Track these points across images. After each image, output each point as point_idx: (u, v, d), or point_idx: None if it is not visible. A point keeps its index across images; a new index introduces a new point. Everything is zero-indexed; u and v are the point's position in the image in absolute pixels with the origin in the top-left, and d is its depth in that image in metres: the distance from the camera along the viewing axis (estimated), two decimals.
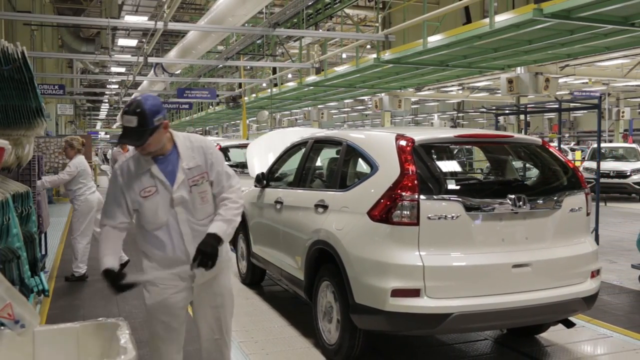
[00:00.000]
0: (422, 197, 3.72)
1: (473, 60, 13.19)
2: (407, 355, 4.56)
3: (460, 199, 3.79)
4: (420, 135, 4.12)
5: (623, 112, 25.92)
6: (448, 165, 5.01)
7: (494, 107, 11.98)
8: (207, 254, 2.81)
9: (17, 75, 4.49)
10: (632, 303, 6.04)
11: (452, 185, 4.07)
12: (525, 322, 4.28)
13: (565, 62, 15.77)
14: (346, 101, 29.75)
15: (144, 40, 21.64)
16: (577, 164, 20.57)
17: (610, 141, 24.89)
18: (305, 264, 4.61)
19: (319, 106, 27.21)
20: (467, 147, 11.35)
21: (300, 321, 5.22)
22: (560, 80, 20.81)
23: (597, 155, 8.84)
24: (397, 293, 3.66)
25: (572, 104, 10.81)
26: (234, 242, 6.89)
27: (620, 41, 10.91)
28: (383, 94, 21.13)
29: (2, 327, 2.73)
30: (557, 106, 9.38)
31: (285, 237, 5.17)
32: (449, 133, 4.62)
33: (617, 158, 17.56)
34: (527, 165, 4.92)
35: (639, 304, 6.02)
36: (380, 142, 4.27)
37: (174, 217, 2.91)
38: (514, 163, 4.96)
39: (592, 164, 15.29)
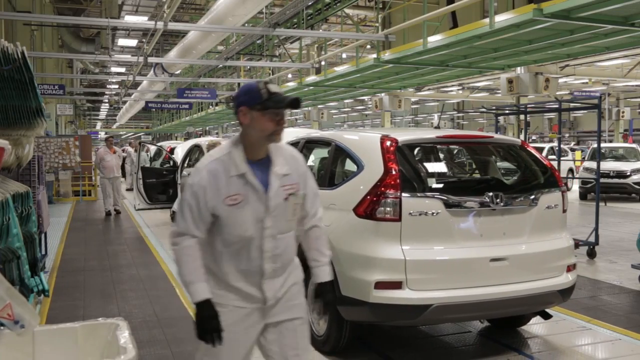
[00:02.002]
0: (404, 194, 3.92)
1: (473, 60, 13.19)
2: (393, 346, 4.69)
3: (440, 196, 3.99)
4: (404, 136, 4.34)
5: (623, 112, 25.92)
6: (430, 164, 5.20)
7: (494, 107, 11.97)
8: (331, 302, 2.80)
9: (17, 75, 4.49)
10: (632, 303, 6.04)
11: (433, 183, 4.29)
12: (503, 313, 4.47)
13: (565, 62, 15.77)
14: (346, 101, 29.76)
15: (144, 40, 21.64)
16: (577, 164, 20.58)
17: (610, 141, 24.89)
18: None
19: (319, 106, 27.22)
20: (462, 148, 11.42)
21: None
22: (560, 80, 20.82)
23: (597, 155, 8.83)
24: (381, 285, 3.85)
25: (572, 104, 10.80)
26: None
27: (620, 41, 10.90)
28: (383, 94, 21.14)
29: (2, 327, 2.73)
30: (557, 106, 9.38)
31: None
32: (431, 134, 4.80)
33: (617, 158, 17.56)
34: (511, 164, 5.06)
35: (639, 304, 6.02)
36: (366, 142, 4.48)
37: (259, 230, 2.51)
38: (497, 163, 5.11)
39: (592, 164, 15.29)
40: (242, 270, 2.53)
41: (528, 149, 4.67)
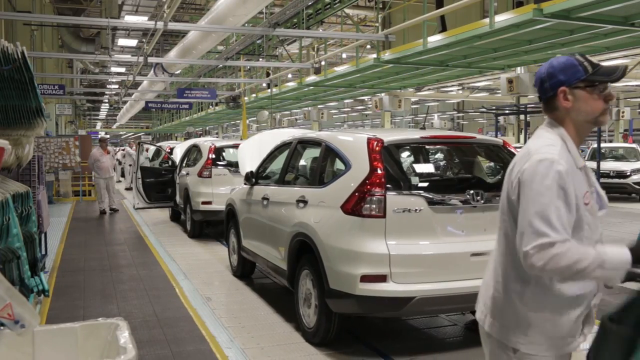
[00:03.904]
0: (388, 192, 4.15)
1: (473, 60, 13.19)
2: (380, 338, 4.89)
3: (423, 194, 4.20)
4: (390, 136, 4.55)
5: (623, 112, 25.88)
6: (414, 164, 5.43)
7: (494, 107, 11.99)
8: None
9: (17, 75, 4.48)
10: None
11: (416, 182, 4.49)
12: None
13: None
14: (346, 101, 29.75)
15: (144, 40, 21.64)
16: None
17: (610, 141, 24.89)
18: (288, 254, 5.03)
19: (319, 106, 27.19)
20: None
21: (284, 309, 5.62)
22: None
23: (597, 155, 8.83)
24: (366, 279, 4.07)
25: None
26: (226, 238, 7.40)
27: (620, 41, 10.91)
28: (383, 94, 21.13)
29: (2, 327, 2.73)
30: None
31: (270, 230, 5.55)
32: (415, 134, 5.10)
33: (617, 158, 17.54)
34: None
35: None
36: (353, 143, 4.70)
37: (599, 237, 2.06)
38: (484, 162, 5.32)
39: (592, 164, 15.30)
40: (580, 295, 2.00)
41: (509, 148, 4.87)
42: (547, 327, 1.97)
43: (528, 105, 17.29)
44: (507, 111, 18.57)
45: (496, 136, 16.91)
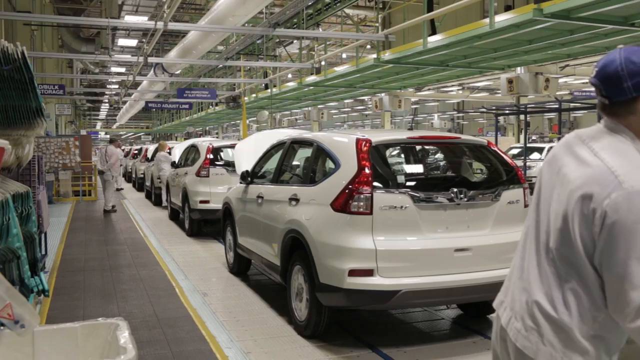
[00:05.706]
0: (376, 190, 4.31)
1: (473, 60, 13.19)
2: (370, 332, 5.04)
3: (409, 192, 4.36)
4: (378, 137, 4.72)
5: None
6: (401, 163, 5.59)
7: (494, 107, 11.99)
8: None
9: (17, 75, 4.48)
10: None
11: (403, 180, 4.67)
12: (467, 299, 4.91)
13: (565, 62, 15.77)
14: (346, 101, 29.77)
15: (144, 40, 21.64)
16: None
17: None
18: (281, 251, 5.18)
19: (319, 106, 27.21)
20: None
21: (278, 304, 5.74)
22: (560, 80, 20.81)
23: None
24: (354, 273, 4.22)
25: (572, 104, 10.81)
26: (222, 235, 7.52)
27: (620, 41, 10.90)
28: (383, 94, 21.14)
29: (2, 327, 2.74)
30: (557, 106, 9.39)
31: (265, 228, 5.70)
32: (403, 135, 5.32)
33: None
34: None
35: None
36: (343, 143, 4.86)
37: None
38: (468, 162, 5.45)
39: None
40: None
41: (493, 148, 5.01)
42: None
43: (528, 105, 17.32)
44: (507, 111, 18.59)
45: (496, 136, 16.92)
